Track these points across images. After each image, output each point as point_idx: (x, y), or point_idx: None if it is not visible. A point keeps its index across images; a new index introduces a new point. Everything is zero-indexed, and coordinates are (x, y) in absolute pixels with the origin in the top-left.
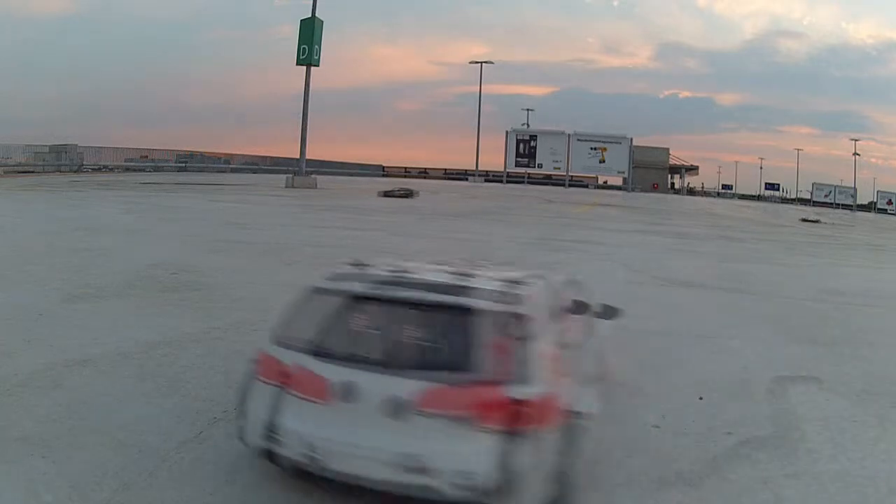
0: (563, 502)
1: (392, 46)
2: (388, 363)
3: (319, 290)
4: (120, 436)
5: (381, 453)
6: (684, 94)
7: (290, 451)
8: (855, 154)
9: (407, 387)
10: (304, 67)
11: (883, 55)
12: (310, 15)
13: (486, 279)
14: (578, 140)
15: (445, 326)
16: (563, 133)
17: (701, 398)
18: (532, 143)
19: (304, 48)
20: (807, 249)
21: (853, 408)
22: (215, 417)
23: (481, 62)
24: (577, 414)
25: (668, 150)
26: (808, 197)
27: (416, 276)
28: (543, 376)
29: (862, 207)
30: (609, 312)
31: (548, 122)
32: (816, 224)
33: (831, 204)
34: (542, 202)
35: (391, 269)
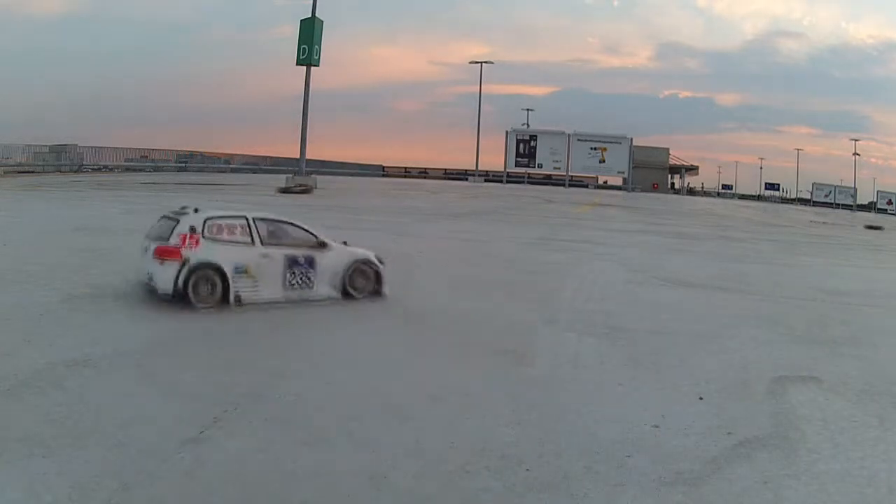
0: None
1: (392, 46)
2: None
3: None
4: (120, 436)
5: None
6: (684, 94)
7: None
8: (855, 154)
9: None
10: (304, 67)
11: (883, 55)
12: (310, 15)
13: (194, 215)
14: (578, 140)
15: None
16: (563, 133)
17: (701, 398)
18: (532, 143)
19: (304, 48)
20: (806, 249)
21: (853, 408)
22: (215, 417)
23: (481, 62)
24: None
25: (668, 150)
26: (808, 197)
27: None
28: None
29: (862, 207)
30: (321, 245)
31: (548, 122)
32: (880, 231)
33: (831, 204)
34: (542, 202)
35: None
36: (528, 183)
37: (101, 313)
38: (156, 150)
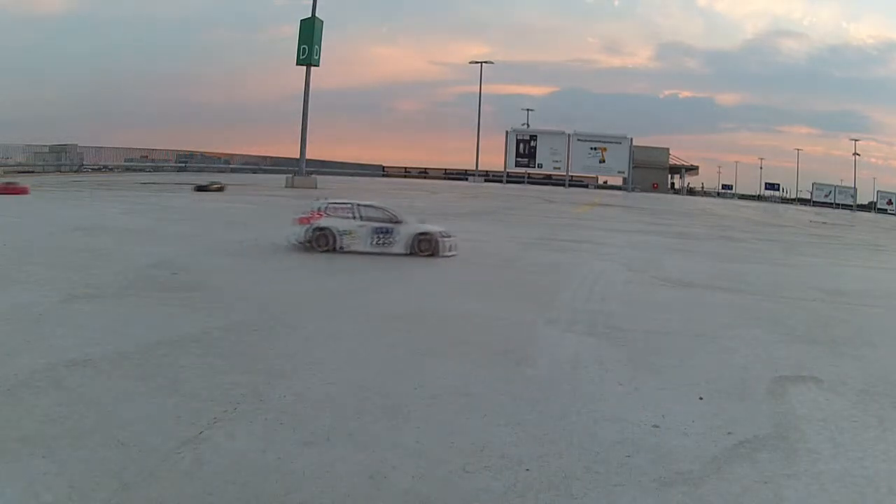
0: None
1: (392, 46)
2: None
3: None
4: (120, 436)
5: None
6: (684, 94)
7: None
8: (855, 154)
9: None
10: (304, 67)
11: (883, 55)
12: (310, 15)
13: (322, 201)
14: (578, 140)
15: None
16: (563, 133)
17: (701, 398)
18: (532, 143)
19: (304, 48)
20: (806, 250)
21: (853, 408)
22: (215, 417)
23: (481, 62)
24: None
25: (668, 150)
26: (808, 197)
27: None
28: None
29: (862, 207)
30: (393, 219)
31: (548, 122)
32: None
33: (831, 204)
34: (542, 202)
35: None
36: (528, 183)
37: (101, 313)
38: (156, 150)
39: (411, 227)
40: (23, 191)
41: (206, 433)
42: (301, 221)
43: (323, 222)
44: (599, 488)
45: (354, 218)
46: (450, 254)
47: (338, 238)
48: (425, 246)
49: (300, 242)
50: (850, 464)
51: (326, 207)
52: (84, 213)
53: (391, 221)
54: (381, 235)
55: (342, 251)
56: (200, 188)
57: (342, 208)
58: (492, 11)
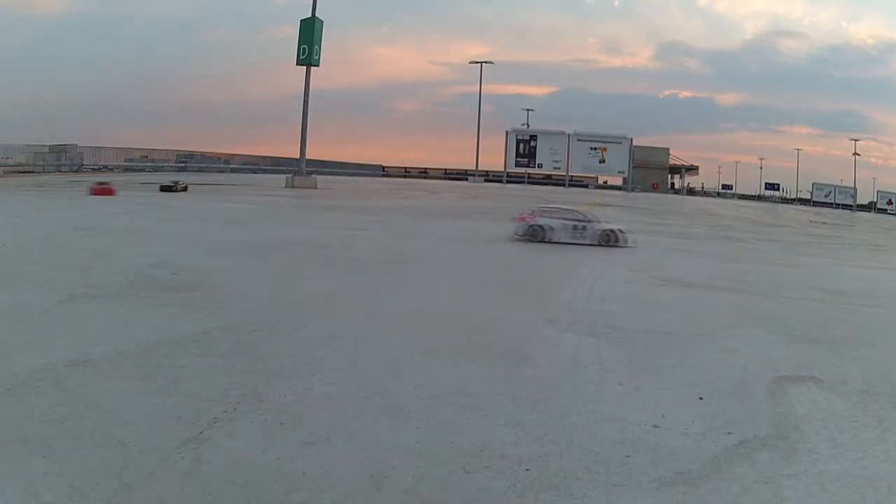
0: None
1: (392, 46)
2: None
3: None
4: (120, 436)
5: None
6: (684, 94)
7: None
8: (855, 154)
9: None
10: (304, 67)
11: (883, 55)
12: (310, 15)
13: (536, 206)
14: (578, 140)
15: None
16: (563, 133)
17: (701, 398)
18: (532, 143)
19: (304, 48)
20: (806, 250)
21: (853, 408)
22: (215, 417)
23: (481, 62)
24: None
25: (668, 150)
26: (808, 197)
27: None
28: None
29: (862, 207)
30: (585, 218)
31: (548, 122)
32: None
33: (831, 204)
34: (542, 202)
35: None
36: (528, 183)
37: (101, 313)
38: (156, 150)
39: (599, 225)
40: (112, 192)
41: (206, 433)
42: (520, 220)
43: (536, 221)
44: (599, 488)
45: (557, 218)
46: (628, 245)
47: (546, 232)
48: (609, 238)
49: (520, 236)
50: (850, 464)
51: (537, 211)
52: (84, 213)
53: (584, 221)
54: (576, 231)
55: (549, 241)
56: (165, 188)
57: (549, 211)
58: (492, 11)
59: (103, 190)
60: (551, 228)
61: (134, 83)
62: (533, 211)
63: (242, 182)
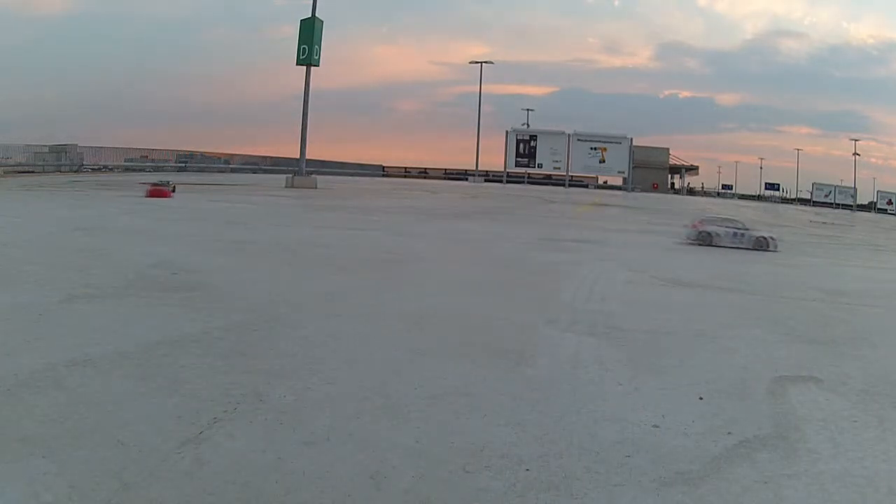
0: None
1: (392, 46)
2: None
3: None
4: (120, 436)
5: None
6: (684, 94)
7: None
8: (855, 154)
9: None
10: (304, 67)
11: (883, 55)
12: (310, 15)
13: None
14: (578, 140)
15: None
16: (563, 133)
17: (701, 398)
18: (532, 143)
19: (304, 48)
20: (807, 250)
21: (853, 408)
22: (215, 417)
23: (481, 62)
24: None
25: (668, 150)
26: (808, 197)
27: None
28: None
29: (862, 207)
30: (744, 227)
31: (548, 122)
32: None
33: (831, 204)
34: (542, 202)
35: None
36: (528, 183)
37: (101, 313)
38: (156, 150)
39: (755, 232)
40: (168, 195)
41: (206, 433)
42: (692, 227)
43: (705, 228)
44: (599, 488)
45: (721, 227)
46: (777, 250)
47: (713, 238)
48: (762, 244)
49: (692, 240)
50: (850, 464)
51: (705, 220)
52: (84, 213)
53: (742, 229)
54: (735, 237)
55: (714, 245)
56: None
57: (714, 220)
58: (492, 11)
59: (159, 192)
60: (717, 235)
61: (134, 83)
62: (701, 220)
63: (242, 182)
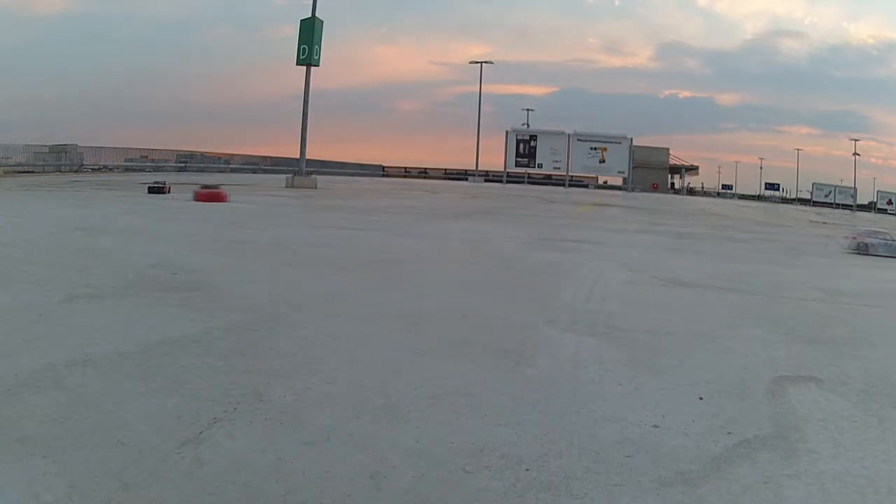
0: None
1: (392, 46)
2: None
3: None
4: (120, 436)
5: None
6: (684, 94)
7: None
8: (855, 154)
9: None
10: (304, 67)
11: (883, 55)
12: (310, 15)
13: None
14: (578, 140)
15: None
16: (563, 133)
17: (701, 398)
18: (532, 143)
19: (304, 48)
20: (807, 249)
21: (853, 408)
22: (215, 417)
23: (481, 62)
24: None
25: (668, 150)
26: (809, 197)
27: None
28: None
29: (862, 207)
30: (892, 238)
31: (548, 122)
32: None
33: (831, 204)
34: (542, 202)
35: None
36: (528, 183)
37: (101, 313)
38: (156, 150)
39: None
40: (224, 198)
41: (206, 433)
42: (851, 238)
43: (864, 240)
44: (599, 488)
45: (878, 239)
46: None
47: (870, 248)
48: None
49: (851, 251)
50: (850, 464)
51: (864, 233)
52: (84, 213)
53: (892, 240)
54: (888, 247)
55: (871, 255)
56: (154, 190)
57: (872, 233)
58: (492, 11)
59: (212, 196)
60: (872, 245)
61: (134, 83)
62: (861, 232)
63: (243, 182)
